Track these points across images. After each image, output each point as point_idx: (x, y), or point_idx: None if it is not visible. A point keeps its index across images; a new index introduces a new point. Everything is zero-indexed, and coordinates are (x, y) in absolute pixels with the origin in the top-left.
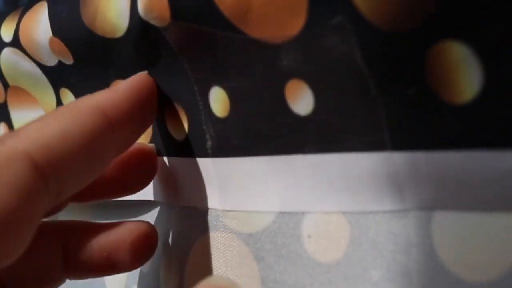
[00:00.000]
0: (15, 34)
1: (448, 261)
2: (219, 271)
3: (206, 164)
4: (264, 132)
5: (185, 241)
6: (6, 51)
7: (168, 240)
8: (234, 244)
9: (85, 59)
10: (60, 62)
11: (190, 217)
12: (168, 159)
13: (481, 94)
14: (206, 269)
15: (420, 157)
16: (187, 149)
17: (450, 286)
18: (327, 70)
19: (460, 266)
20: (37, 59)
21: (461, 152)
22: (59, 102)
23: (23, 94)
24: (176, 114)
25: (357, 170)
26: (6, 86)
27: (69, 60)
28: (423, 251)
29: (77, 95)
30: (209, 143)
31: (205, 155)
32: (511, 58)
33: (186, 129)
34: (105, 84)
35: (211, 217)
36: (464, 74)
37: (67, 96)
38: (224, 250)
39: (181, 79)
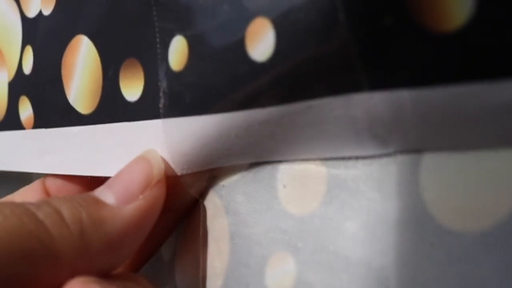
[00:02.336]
0: None
1: (435, 209)
2: (202, 225)
3: (156, 127)
4: (219, 87)
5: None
6: (3, 1)
7: None
8: (209, 197)
9: (64, 6)
10: (39, 13)
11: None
12: (118, 125)
13: (473, 19)
14: (195, 225)
15: (404, 95)
16: (140, 111)
17: (438, 237)
18: (296, 2)
19: (449, 214)
20: (25, 9)
21: (451, 87)
22: (20, 61)
23: None
24: (131, 70)
25: (330, 116)
26: None
27: (49, 8)
28: (408, 199)
29: (36, 54)
30: (162, 101)
31: (157, 116)
32: None
33: (142, 87)
34: (66, 40)
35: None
36: None
37: (28, 54)
38: (204, 204)
39: (145, 30)
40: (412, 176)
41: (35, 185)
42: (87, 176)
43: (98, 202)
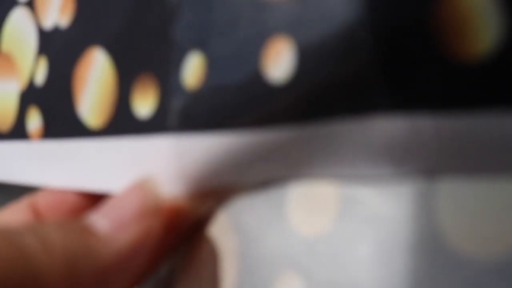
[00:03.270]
0: None
1: (450, 234)
2: (206, 242)
3: (166, 143)
4: (234, 104)
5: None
6: (18, 11)
7: None
8: (215, 216)
9: (82, 18)
10: (57, 25)
11: None
12: (129, 140)
13: (499, 50)
14: (192, 240)
15: (424, 120)
16: (152, 126)
17: (452, 262)
18: (319, 20)
19: (464, 239)
20: (41, 19)
21: (471, 115)
22: (33, 71)
23: (9, 62)
24: (145, 85)
25: (348, 136)
26: None
27: (67, 20)
28: (423, 222)
29: (50, 65)
30: (173, 117)
31: (168, 132)
32: None
33: (154, 102)
34: (79, 51)
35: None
36: (481, 25)
37: (42, 65)
38: (209, 222)
39: (162, 44)
40: (428, 199)
41: (22, 203)
42: (82, 193)
43: (89, 229)
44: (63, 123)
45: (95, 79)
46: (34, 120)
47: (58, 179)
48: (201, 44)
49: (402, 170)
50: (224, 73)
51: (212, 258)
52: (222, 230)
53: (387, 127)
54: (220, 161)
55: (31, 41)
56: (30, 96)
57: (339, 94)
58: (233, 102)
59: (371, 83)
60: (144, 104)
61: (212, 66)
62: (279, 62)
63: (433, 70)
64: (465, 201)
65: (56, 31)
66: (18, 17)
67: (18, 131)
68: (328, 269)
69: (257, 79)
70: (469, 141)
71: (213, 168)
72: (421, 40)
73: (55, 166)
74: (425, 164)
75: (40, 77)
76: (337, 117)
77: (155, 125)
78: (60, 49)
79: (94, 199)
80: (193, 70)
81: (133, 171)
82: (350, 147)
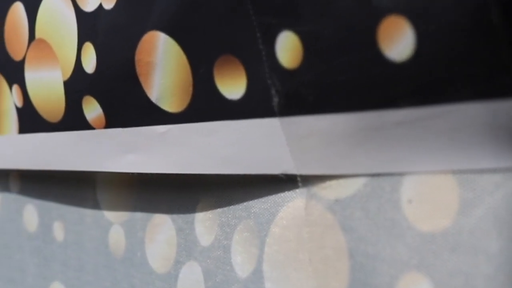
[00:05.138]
0: None
1: None
2: (300, 241)
3: (271, 125)
4: (347, 85)
5: (265, 211)
6: None
7: (244, 213)
8: (316, 212)
9: (129, 1)
10: (100, 6)
11: (265, 186)
12: (218, 123)
13: None
14: (287, 240)
15: None
16: (244, 109)
17: None
18: (437, 2)
19: None
20: (80, 2)
21: None
22: (78, 58)
23: (45, 49)
24: (228, 68)
25: (470, 123)
26: (31, 39)
27: (111, 1)
28: None
29: (99, 51)
30: (275, 100)
31: (270, 114)
32: None
33: (244, 85)
34: (136, 36)
35: (288, 184)
36: None
37: (89, 51)
38: (306, 219)
39: (239, 24)
40: None
41: None
42: None
43: None
44: (130, 109)
45: (163, 64)
46: (92, 109)
47: (139, 164)
48: (290, 25)
49: None
50: (330, 53)
51: (316, 256)
52: (326, 226)
53: None
54: (335, 143)
55: (71, 27)
56: (81, 85)
57: (465, 75)
58: (349, 81)
59: (499, 65)
60: (231, 87)
61: (309, 46)
62: (398, 42)
63: None
64: None
65: (100, 14)
66: (55, 2)
67: (75, 121)
68: (454, 265)
69: (376, 57)
70: None
71: (326, 150)
72: None
73: (132, 152)
74: None
75: (90, 65)
76: (461, 100)
77: (251, 107)
78: (108, 33)
79: None
80: (289, 50)
81: (235, 151)
82: (472, 134)
